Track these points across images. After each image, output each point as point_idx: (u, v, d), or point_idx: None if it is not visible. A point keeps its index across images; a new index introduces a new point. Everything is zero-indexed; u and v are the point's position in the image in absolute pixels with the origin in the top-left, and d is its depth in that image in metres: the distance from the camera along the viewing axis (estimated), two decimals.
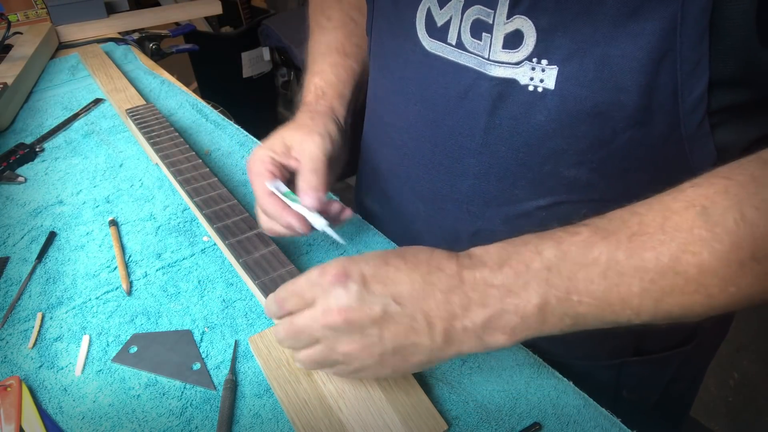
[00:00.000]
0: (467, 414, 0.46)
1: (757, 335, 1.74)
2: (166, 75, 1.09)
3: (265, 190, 0.53)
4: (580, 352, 0.64)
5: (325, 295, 0.40)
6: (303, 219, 0.52)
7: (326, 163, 0.55)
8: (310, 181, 0.53)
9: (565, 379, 0.49)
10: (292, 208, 0.53)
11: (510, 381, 0.49)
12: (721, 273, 0.35)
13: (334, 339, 0.40)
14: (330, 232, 0.52)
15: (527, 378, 0.49)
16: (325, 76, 0.66)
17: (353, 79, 0.67)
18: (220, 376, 0.50)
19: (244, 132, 0.88)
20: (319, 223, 0.52)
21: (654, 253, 0.36)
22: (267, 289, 0.51)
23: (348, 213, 0.57)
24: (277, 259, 0.55)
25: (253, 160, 0.55)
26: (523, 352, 0.51)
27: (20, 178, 0.76)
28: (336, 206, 0.56)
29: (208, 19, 2.34)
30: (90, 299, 0.57)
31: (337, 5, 0.71)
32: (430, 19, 0.52)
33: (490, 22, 0.47)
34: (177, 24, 1.65)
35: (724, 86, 0.42)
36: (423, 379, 0.49)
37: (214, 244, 0.64)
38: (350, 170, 0.80)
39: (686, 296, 0.36)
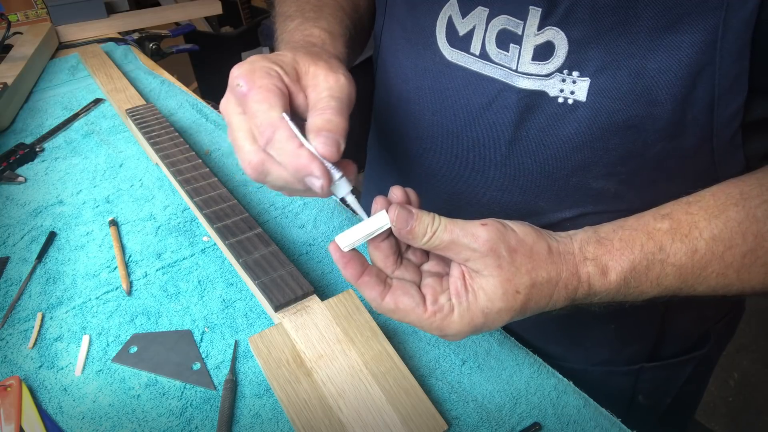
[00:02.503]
0: (467, 414, 0.46)
1: (757, 335, 1.74)
2: (166, 75, 1.09)
3: (275, 114, 0.38)
4: (598, 360, 0.64)
5: (486, 316, 0.39)
6: (326, 169, 0.38)
7: (349, 110, 0.42)
8: (335, 122, 0.39)
9: (565, 379, 0.49)
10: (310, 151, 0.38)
11: (510, 381, 0.49)
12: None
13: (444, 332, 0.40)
14: (353, 202, 0.40)
15: (527, 378, 0.49)
16: (327, 26, 0.55)
17: (350, 37, 0.59)
18: (220, 376, 0.50)
19: None
20: (344, 188, 0.39)
21: None
22: (267, 289, 0.52)
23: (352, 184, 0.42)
24: (277, 259, 0.55)
25: (253, 69, 0.40)
26: (523, 352, 0.51)
27: (20, 178, 0.76)
28: (351, 168, 0.41)
29: (208, 19, 2.34)
30: (90, 299, 0.57)
31: None
32: (451, 27, 0.50)
33: (519, 33, 0.46)
34: (177, 24, 1.65)
35: (761, 99, 0.42)
36: (423, 379, 0.49)
37: (214, 244, 0.64)
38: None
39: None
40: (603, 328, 0.61)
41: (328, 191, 0.39)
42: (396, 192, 0.41)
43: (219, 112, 0.94)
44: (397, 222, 0.38)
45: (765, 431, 1.51)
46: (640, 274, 0.40)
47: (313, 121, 0.39)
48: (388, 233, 0.40)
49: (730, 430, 1.52)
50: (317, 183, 0.37)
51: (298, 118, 0.42)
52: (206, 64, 2.29)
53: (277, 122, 0.38)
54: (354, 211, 0.40)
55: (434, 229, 0.38)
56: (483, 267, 0.38)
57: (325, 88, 0.41)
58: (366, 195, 0.79)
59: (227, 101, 0.42)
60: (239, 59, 0.53)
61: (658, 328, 0.62)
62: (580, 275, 0.40)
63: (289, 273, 0.53)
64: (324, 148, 0.37)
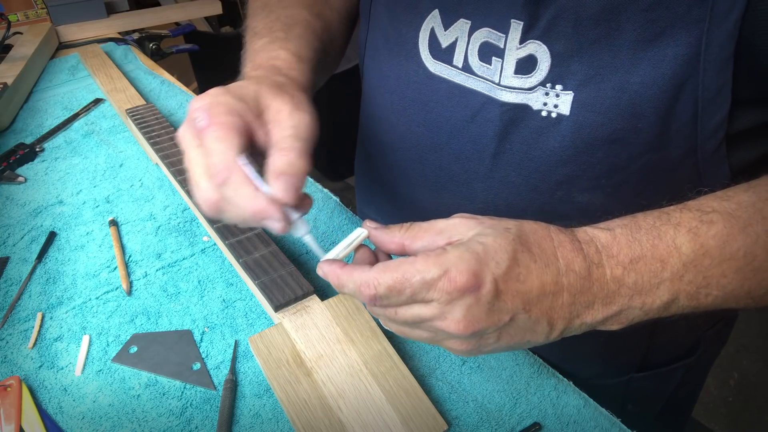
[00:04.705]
0: (467, 414, 0.46)
1: (757, 335, 1.74)
2: (166, 75, 1.09)
3: (231, 155, 0.38)
4: (589, 372, 0.64)
5: (451, 303, 0.34)
6: (284, 213, 0.39)
7: (311, 150, 0.41)
8: (297, 166, 0.38)
9: (565, 379, 0.49)
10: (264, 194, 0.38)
11: (510, 381, 0.49)
12: None
13: (446, 337, 0.36)
14: (310, 241, 0.41)
15: (527, 378, 0.49)
16: (295, 49, 0.52)
17: (319, 61, 0.56)
18: (220, 376, 0.50)
19: None
20: (302, 228, 0.40)
21: None
22: (267, 289, 0.52)
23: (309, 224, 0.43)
24: (277, 259, 0.55)
25: (215, 103, 0.39)
26: (523, 351, 0.51)
27: (20, 178, 0.76)
28: (308, 203, 0.42)
29: (208, 19, 2.34)
30: (90, 299, 0.57)
31: None
32: (434, 39, 0.50)
33: (501, 46, 0.45)
34: (177, 24, 1.65)
35: (745, 109, 0.41)
36: (423, 379, 0.49)
37: (214, 244, 0.64)
38: (350, 170, 0.80)
39: None
40: (593, 340, 0.61)
41: (285, 233, 0.40)
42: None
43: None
44: (372, 225, 0.40)
45: (765, 431, 1.51)
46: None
47: (274, 162, 0.39)
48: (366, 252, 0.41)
49: (730, 430, 1.52)
50: (276, 225, 0.38)
51: (257, 154, 0.41)
52: (206, 64, 2.29)
53: (232, 164, 0.37)
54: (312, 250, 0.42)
55: (408, 225, 0.39)
56: (465, 229, 0.36)
57: (290, 126, 0.40)
58: (358, 201, 0.79)
59: (185, 132, 0.41)
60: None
61: (648, 339, 0.61)
62: (584, 237, 0.37)
63: (289, 273, 0.53)
64: (283, 194, 0.38)
